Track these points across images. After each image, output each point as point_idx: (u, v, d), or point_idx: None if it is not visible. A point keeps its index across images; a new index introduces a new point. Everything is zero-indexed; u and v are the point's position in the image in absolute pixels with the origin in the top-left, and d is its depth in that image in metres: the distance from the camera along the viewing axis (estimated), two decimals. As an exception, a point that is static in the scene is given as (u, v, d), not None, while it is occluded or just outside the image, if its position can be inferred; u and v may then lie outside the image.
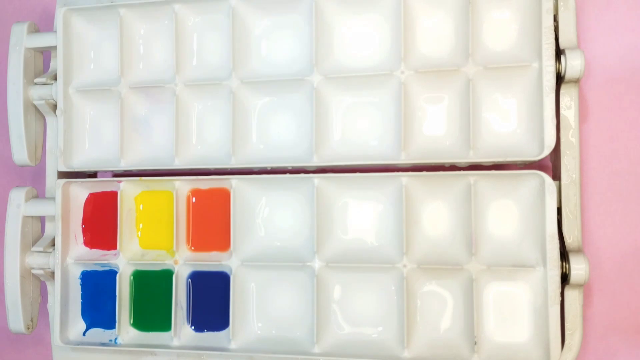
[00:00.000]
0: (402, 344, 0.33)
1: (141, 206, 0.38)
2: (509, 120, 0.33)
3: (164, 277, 0.37)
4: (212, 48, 0.37)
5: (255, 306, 0.36)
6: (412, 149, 0.33)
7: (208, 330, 0.36)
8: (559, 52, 0.32)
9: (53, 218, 0.38)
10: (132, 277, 0.37)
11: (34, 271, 0.38)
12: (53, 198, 0.38)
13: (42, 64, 0.40)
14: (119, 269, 0.37)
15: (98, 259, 0.38)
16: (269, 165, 0.35)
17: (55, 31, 0.38)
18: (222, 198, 0.36)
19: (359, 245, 0.35)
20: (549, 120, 0.31)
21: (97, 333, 0.38)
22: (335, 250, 0.35)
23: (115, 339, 0.37)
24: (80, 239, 0.38)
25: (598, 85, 0.36)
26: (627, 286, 0.35)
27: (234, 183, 0.36)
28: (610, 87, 0.36)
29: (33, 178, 0.44)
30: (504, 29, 0.33)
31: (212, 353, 0.35)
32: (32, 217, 0.38)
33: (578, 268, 0.31)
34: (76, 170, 0.38)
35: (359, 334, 0.34)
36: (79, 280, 0.38)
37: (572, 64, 0.31)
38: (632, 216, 0.35)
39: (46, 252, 0.38)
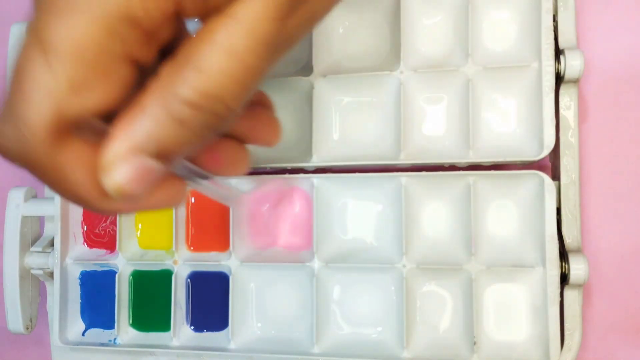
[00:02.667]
0: (401, 344, 0.33)
1: (140, 206, 0.38)
2: (509, 121, 0.33)
3: (163, 277, 0.37)
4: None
5: (254, 306, 0.36)
6: (411, 149, 0.33)
7: (207, 330, 0.36)
8: (558, 52, 0.32)
9: (52, 218, 0.38)
10: (131, 277, 0.37)
11: (33, 271, 0.38)
12: (52, 198, 0.38)
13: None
14: (118, 269, 0.37)
15: (97, 259, 0.38)
16: (267, 165, 0.35)
17: (55, 31, 0.38)
18: (222, 198, 0.36)
19: (358, 246, 0.35)
20: (548, 120, 0.31)
21: (97, 333, 0.38)
22: (334, 250, 0.35)
23: (115, 339, 0.37)
24: (80, 239, 0.38)
25: (597, 86, 0.36)
26: (627, 286, 0.35)
27: (233, 183, 0.35)
28: (610, 87, 0.36)
29: (32, 178, 0.43)
30: (503, 29, 0.33)
31: (211, 353, 0.35)
32: (31, 217, 0.38)
33: (577, 268, 0.31)
34: (75, 170, 0.38)
35: (358, 334, 0.34)
36: (78, 281, 0.38)
37: (572, 64, 0.31)
38: (632, 216, 0.35)
39: (45, 252, 0.38)
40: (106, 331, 0.37)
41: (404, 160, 0.33)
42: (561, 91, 0.33)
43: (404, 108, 0.33)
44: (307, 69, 0.35)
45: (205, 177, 0.21)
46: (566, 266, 0.31)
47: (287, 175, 0.35)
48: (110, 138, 0.17)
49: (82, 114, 0.17)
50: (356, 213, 0.35)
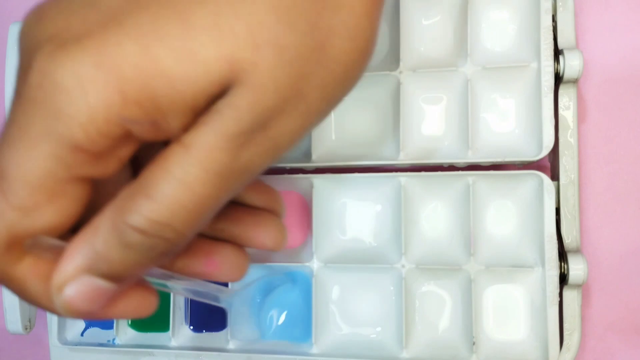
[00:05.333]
0: (400, 344, 0.33)
1: (139, 206, 0.38)
2: (508, 121, 0.33)
3: (162, 278, 0.37)
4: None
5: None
6: (411, 149, 0.33)
7: (206, 330, 0.36)
8: (557, 53, 0.32)
9: (51, 218, 0.38)
10: (130, 277, 0.37)
11: (31, 271, 0.38)
12: (51, 198, 0.37)
13: (40, 63, 0.40)
14: (117, 269, 0.37)
15: (96, 259, 0.38)
16: (267, 165, 0.35)
17: (53, 31, 0.38)
18: (221, 198, 0.36)
19: (357, 246, 0.35)
20: (547, 120, 0.31)
21: (95, 333, 0.38)
22: (333, 250, 0.35)
23: (114, 339, 0.37)
24: (78, 239, 0.38)
25: (597, 86, 0.36)
26: (626, 286, 0.35)
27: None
28: (609, 88, 0.36)
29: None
30: (502, 29, 0.33)
31: (210, 353, 0.35)
32: (29, 217, 0.38)
33: (576, 268, 0.31)
34: (74, 170, 0.38)
35: (357, 334, 0.34)
36: (77, 281, 0.38)
37: (571, 64, 0.31)
38: (631, 216, 0.35)
39: (44, 252, 0.38)
40: (105, 331, 0.37)
41: (403, 160, 0.33)
42: (560, 91, 0.33)
43: (403, 108, 0.33)
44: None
45: (179, 279, 0.21)
46: (565, 266, 0.31)
47: (286, 176, 0.35)
48: (62, 257, 0.17)
49: (34, 233, 0.17)
50: (355, 213, 0.35)
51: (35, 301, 0.18)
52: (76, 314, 0.18)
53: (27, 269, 0.18)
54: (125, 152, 0.18)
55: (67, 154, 0.17)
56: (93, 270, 0.17)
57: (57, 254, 0.18)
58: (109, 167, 0.18)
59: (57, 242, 0.18)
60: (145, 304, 0.20)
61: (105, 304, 0.18)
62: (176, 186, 0.16)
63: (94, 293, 0.17)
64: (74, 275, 0.17)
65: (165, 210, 0.16)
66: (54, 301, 0.18)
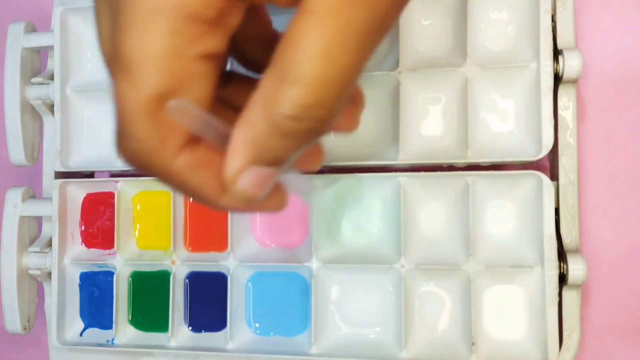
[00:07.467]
0: (400, 344, 0.33)
1: (138, 206, 0.38)
2: (507, 121, 0.33)
3: (162, 278, 0.37)
4: (209, 48, 0.37)
5: (252, 306, 0.36)
6: (410, 149, 0.33)
7: (205, 330, 0.36)
8: (556, 53, 0.32)
9: (50, 218, 0.38)
10: (129, 277, 0.37)
11: (31, 271, 0.38)
12: (50, 198, 0.37)
13: (39, 63, 0.40)
14: (116, 270, 0.37)
15: (95, 259, 0.38)
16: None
17: (53, 31, 0.38)
18: (220, 198, 0.36)
19: (357, 246, 0.35)
20: (546, 120, 0.31)
21: (95, 333, 0.38)
22: (333, 250, 0.35)
23: (113, 339, 0.37)
24: (78, 239, 0.38)
25: (596, 86, 0.36)
26: (625, 286, 0.35)
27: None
28: (608, 88, 0.36)
29: (30, 178, 0.43)
30: (501, 29, 0.33)
31: (209, 354, 0.35)
32: (29, 217, 0.38)
33: (576, 268, 0.31)
34: (73, 170, 0.38)
35: (356, 334, 0.34)
36: (76, 281, 0.38)
37: (570, 64, 0.31)
38: (630, 216, 0.35)
39: (43, 252, 0.38)
40: (104, 331, 0.37)
41: (402, 160, 0.33)
42: (559, 91, 0.33)
43: (403, 108, 0.33)
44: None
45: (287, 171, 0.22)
46: (564, 266, 0.31)
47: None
48: (229, 153, 0.18)
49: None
50: (355, 213, 0.35)
51: (194, 192, 0.19)
52: (249, 201, 0.19)
53: (184, 163, 0.18)
54: (233, 20, 0.18)
55: (184, 25, 0.16)
56: (258, 160, 0.18)
57: (222, 141, 0.18)
58: (221, 40, 0.18)
59: (196, 108, 0.18)
60: (284, 197, 0.21)
61: (269, 187, 0.19)
62: (316, 62, 0.16)
63: (262, 179, 0.19)
64: (244, 167, 0.18)
65: (313, 91, 0.16)
66: (230, 191, 0.19)
